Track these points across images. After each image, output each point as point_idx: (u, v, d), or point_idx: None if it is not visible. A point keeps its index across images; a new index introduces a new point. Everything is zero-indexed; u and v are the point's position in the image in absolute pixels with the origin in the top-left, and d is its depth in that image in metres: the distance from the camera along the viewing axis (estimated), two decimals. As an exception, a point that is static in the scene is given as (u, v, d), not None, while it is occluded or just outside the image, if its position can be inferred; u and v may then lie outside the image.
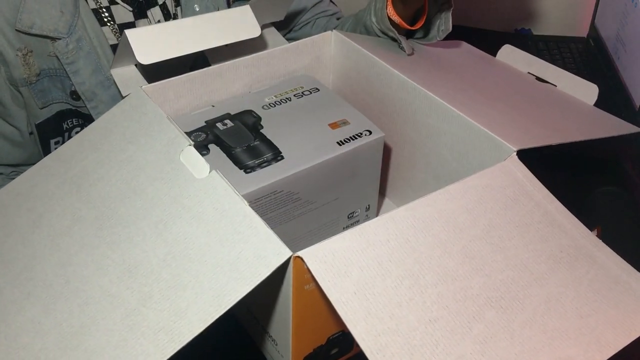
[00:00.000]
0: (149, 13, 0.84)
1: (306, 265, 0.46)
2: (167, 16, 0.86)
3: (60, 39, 0.75)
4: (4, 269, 0.55)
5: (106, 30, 0.81)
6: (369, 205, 0.75)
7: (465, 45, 0.91)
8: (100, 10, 0.80)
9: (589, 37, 1.23)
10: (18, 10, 0.72)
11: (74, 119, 0.84)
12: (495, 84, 0.78)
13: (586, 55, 1.20)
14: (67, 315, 0.49)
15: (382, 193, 0.84)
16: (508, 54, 0.87)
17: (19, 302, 0.52)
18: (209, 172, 0.54)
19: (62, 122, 0.83)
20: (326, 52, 0.81)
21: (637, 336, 0.48)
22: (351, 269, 0.47)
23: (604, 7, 1.11)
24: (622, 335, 0.47)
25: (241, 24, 0.73)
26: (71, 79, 0.78)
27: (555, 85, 0.81)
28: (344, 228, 0.74)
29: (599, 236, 0.60)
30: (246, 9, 0.73)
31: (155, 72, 0.70)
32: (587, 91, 0.78)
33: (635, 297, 0.50)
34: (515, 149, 0.59)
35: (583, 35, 1.24)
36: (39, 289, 0.52)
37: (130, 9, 0.83)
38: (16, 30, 0.73)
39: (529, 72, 0.84)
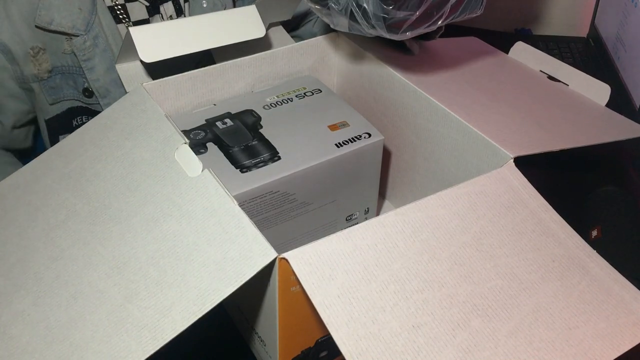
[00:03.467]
0: (161, 8, 0.85)
1: (291, 267, 0.46)
2: (179, 11, 0.86)
3: (77, 35, 0.76)
4: (-1, 261, 0.56)
5: (121, 27, 0.82)
6: (368, 208, 0.75)
7: (477, 42, 0.89)
8: (116, 8, 0.81)
9: (589, 37, 1.21)
10: (37, 7, 0.73)
11: (84, 116, 0.85)
12: (505, 83, 0.77)
13: (586, 55, 1.18)
14: (56, 309, 0.50)
15: (382, 195, 0.83)
16: (520, 51, 0.85)
17: (11, 294, 0.52)
18: (202, 171, 0.54)
19: (72, 118, 0.84)
20: (331, 53, 0.81)
21: (626, 350, 0.47)
22: (336, 272, 0.47)
23: (604, 7, 1.10)
24: (610, 349, 0.46)
25: (246, 24, 0.73)
26: (86, 75, 0.79)
27: (567, 85, 0.80)
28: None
29: (599, 236, 0.59)
30: (252, 9, 0.73)
31: (160, 68, 0.70)
32: (599, 91, 0.77)
33: (627, 311, 0.49)
34: (513, 156, 0.58)
35: (583, 35, 1.22)
36: (31, 282, 0.53)
37: (147, 3, 0.83)
38: (35, 26, 0.74)
39: (541, 71, 0.82)
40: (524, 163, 0.59)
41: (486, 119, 0.65)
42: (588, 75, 0.78)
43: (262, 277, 0.50)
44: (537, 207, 0.56)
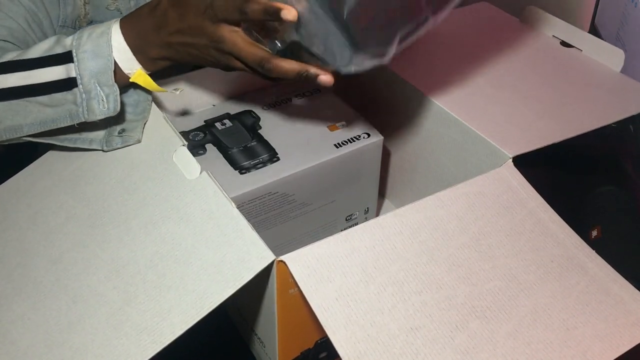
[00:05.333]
0: None
1: (289, 270, 0.46)
2: None
3: None
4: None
5: None
6: (367, 208, 0.75)
7: (487, 8, 0.86)
8: None
9: (588, 37, 1.20)
10: None
11: None
12: (513, 59, 0.75)
13: (586, 56, 1.16)
14: (56, 313, 0.50)
15: (382, 195, 0.83)
16: (532, 15, 0.83)
17: (11, 297, 0.53)
18: (200, 173, 0.54)
19: None
20: (330, 52, 0.81)
21: (625, 350, 0.47)
22: (334, 274, 0.47)
23: (604, 7, 1.09)
24: (609, 349, 0.46)
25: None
26: None
27: (581, 50, 0.78)
28: (342, 230, 0.74)
29: (599, 236, 0.59)
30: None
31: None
32: (613, 56, 0.75)
33: (626, 311, 0.49)
34: (511, 156, 0.58)
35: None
36: (31, 286, 0.53)
37: None
38: None
39: (553, 36, 0.81)
40: (523, 162, 0.59)
41: (487, 115, 0.64)
42: (602, 40, 0.76)
43: (261, 280, 0.50)
44: (536, 207, 0.56)
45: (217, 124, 0.69)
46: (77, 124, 0.57)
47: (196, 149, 0.66)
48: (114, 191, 0.57)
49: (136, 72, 0.56)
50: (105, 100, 0.55)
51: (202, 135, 0.68)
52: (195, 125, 0.69)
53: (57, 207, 0.58)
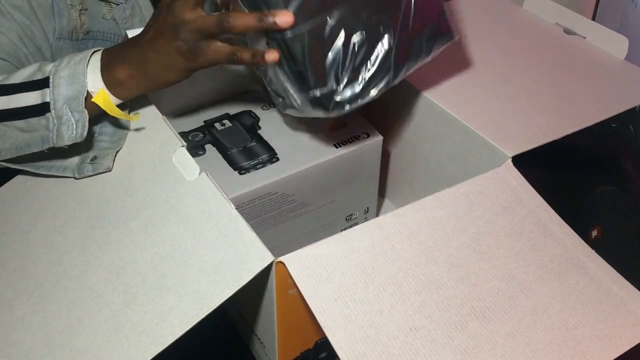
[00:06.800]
0: None
1: (288, 271, 0.46)
2: None
3: (118, 4, 0.75)
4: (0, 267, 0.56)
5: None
6: (367, 208, 0.75)
7: None
8: None
9: (589, 37, 1.20)
10: None
11: None
12: (515, 50, 0.75)
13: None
14: (56, 315, 0.50)
15: (382, 194, 0.83)
16: (535, 2, 0.83)
17: (12, 300, 0.53)
18: (199, 173, 0.54)
19: None
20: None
21: (624, 350, 0.47)
22: (333, 275, 0.47)
23: (604, 7, 1.09)
24: (609, 349, 0.46)
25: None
26: None
27: (584, 37, 0.78)
28: (342, 230, 0.74)
29: (599, 236, 0.58)
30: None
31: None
32: (617, 44, 0.74)
33: (626, 311, 0.49)
34: (511, 156, 0.58)
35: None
36: (31, 288, 0.53)
37: None
38: None
39: (556, 23, 0.80)
40: (523, 162, 0.59)
41: (487, 113, 0.64)
42: (605, 27, 0.75)
43: (260, 280, 0.50)
44: (536, 207, 0.55)
45: (217, 125, 0.69)
46: (47, 149, 0.57)
47: (195, 149, 0.66)
48: (114, 192, 0.57)
49: (99, 91, 0.55)
50: (74, 125, 0.55)
51: (201, 135, 0.68)
52: (194, 126, 0.69)
53: (57, 209, 0.58)
